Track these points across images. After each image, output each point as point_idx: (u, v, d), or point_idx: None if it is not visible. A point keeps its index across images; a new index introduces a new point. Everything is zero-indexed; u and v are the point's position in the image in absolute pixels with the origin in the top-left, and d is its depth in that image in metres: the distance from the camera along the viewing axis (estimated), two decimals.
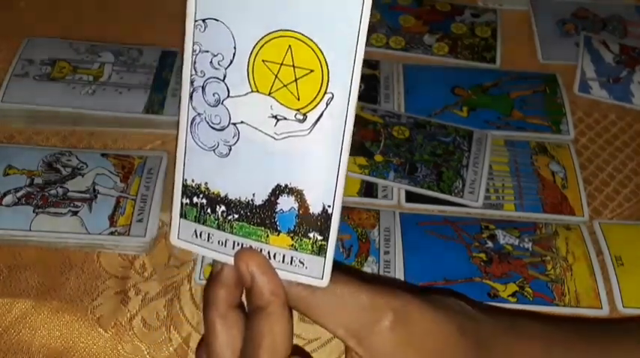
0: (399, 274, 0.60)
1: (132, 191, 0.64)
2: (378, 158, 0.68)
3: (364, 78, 0.75)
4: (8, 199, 0.63)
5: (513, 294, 0.59)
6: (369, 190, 0.67)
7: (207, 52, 0.38)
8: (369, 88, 0.75)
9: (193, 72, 0.39)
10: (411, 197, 0.66)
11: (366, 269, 0.60)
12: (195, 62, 0.39)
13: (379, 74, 0.77)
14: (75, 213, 0.62)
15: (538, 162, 0.70)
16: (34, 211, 0.62)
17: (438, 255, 0.61)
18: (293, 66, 0.36)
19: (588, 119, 0.75)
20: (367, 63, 0.77)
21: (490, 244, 0.62)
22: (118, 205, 0.63)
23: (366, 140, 0.69)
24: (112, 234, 0.61)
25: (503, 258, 0.61)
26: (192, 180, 0.41)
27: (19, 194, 0.63)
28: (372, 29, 0.82)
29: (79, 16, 0.82)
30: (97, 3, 0.83)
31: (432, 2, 0.86)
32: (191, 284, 0.60)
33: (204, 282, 0.59)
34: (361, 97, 0.71)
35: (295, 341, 0.58)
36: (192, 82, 0.39)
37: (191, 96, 0.39)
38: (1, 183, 0.64)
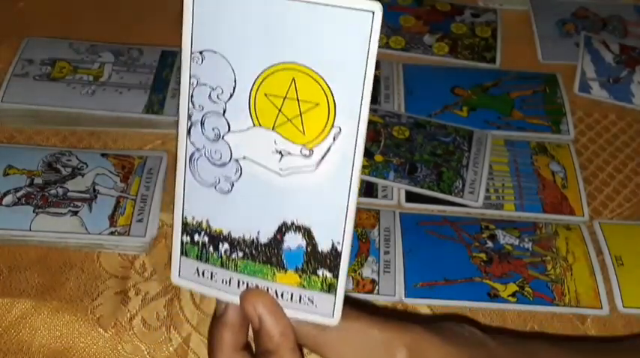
0: (399, 274, 0.60)
1: (132, 191, 0.64)
2: (378, 158, 0.68)
3: None
4: (8, 199, 0.63)
5: (513, 294, 0.59)
6: (369, 190, 0.67)
7: (206, 85, 0.37)
8: None
9: (191, 106, 0.37)
10: (411, 197, 0.66)
11: (366, 269, 0.60)
12: (192, 96, 0.37)
13: (379, 74, 0.77)
14: (75, 213, 0.62)
15: (538, 162, 0.70)
16: (34, 211, 0.62)
17: (438, 255, 0.61)
18: (297, 99, 0.35)
19: (588, 119, 0.75)
20: None
21: (490, 244, 0.62)
22: (118, 205, 0.63)
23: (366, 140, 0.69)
24: (112, 234, 0.61)
25: (503, 258, 0.61)
26: (193, 218, 0.39)
27: (19, 194, 0.63)
28: None
29: (79, 16, 0.82)
30: (96, 3, 0.83)
31: (432, 2, 0.86)
32: None
33: None
34: None
35: None
36: (189, 116, 0.37)
37: (189, 131, 0.38)
38: (1, 183, 0.64)
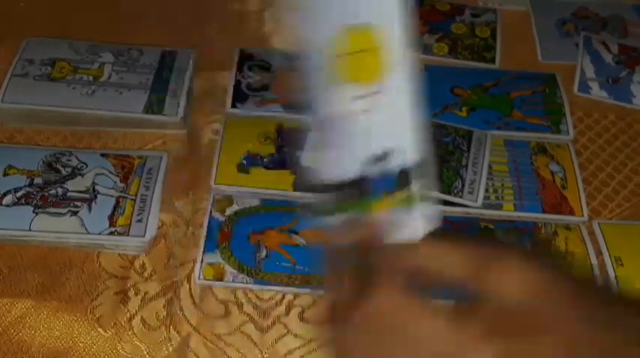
0: None
1: (132, 191, 0.64)
2: None
3: None
4: (8, 199, 0.63)
5: None
6: None
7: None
8: None
9: None
10: None
11: None
12: None
13: None
14: (75, 213, 0.62)
15: (538, 162, 0.70)
16: (34, 211, 0.62)
17: None
18: (360, 51, 0.40)
19: (588, 119, 0.75)
20: None
21: None
22: (117, 205, 0.63)
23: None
24: (111, 234, 0.61)
25: None
26: None
27: (19, 194, 0.63)
28: None
29: (79, 16, 0.82)
30: (96, 3, 0.83)
31: (432, 2, 0.86)
32: (191, 284, 0.60)
33: (203, 282, 0.59)
34: None
35: (295, 341, 0.58)
36: None
37: None
38: (1, 183, 0.64)
